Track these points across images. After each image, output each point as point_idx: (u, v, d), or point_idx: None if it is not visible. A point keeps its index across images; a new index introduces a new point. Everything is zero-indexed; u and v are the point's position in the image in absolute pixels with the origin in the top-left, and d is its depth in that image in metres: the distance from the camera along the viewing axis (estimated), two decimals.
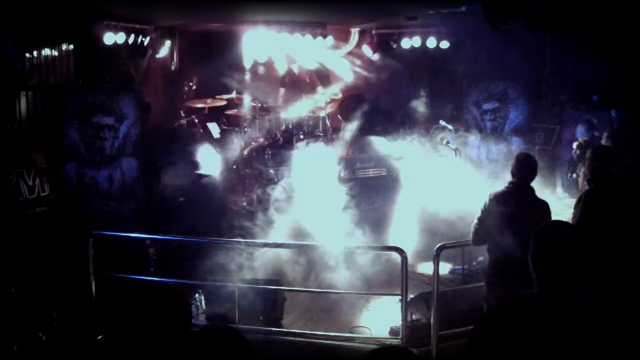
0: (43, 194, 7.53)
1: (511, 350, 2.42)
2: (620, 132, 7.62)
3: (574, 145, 8.05)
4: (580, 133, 8.40)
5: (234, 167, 10.34)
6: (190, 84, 11.51)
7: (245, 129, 10.80)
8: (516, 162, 5.25)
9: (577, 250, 2.64)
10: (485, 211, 5.20)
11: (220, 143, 10.61)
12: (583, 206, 5.25)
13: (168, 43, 10.76)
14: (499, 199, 5.16)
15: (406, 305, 5.89)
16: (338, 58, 11.91)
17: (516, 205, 5.07)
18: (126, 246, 7.16)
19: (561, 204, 7.14)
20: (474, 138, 9.31)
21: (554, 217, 6.61)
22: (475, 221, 5.31)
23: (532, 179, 5.20)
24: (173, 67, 11.51)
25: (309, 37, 10.42)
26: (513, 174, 5.21)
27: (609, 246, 5.06)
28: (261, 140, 10.57)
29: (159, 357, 2.67)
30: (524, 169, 5.19)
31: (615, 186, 5.38)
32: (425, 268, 7.79)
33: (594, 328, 2.44)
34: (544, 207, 5.15)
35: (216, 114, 11.45)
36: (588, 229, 5.20)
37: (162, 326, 2.68)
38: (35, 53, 8.07)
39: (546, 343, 2.40)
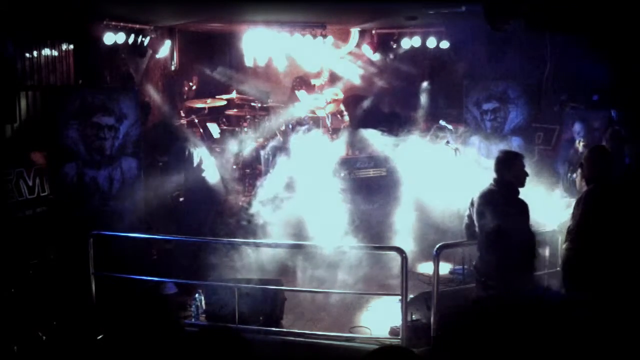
0: (43, 194, 7.52)
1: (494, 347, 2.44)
2: (620, 132, 7.60)
3: (580, 144, 8.03)
4: (578, 132, 8.36)
5: (234, 167, 10.34)
6: (190, 84, 11.51)
7: (245, 129, 10.80)
8: (497, 161, 5.31)
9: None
10: (471, 209, 5.39)
11: (220, 143, 10.61)
12: (584, 206, 5.26)
13: (168, 43, 10.75)
14: (482, 197, 5.25)
15: (406, 305, 5.89)
16: (338, 58, 11.92)
17: (499, 203, 5.13)
18: (126, 246, 7.16)
19: (561, 204, 7.14)
20: (474, 138, 9.31)
21: (554, 217, 6.63)
22: (465, 219, 5.53)
23: (515, 176, 5.26)
24: (173, 67, 11.50)
25: (309, 37, 10.42)
26: (495, 172, 5.27)
27: (610, 246, 5.10)
28: (261, 140, 10.57)
29: (157, 357, 2.67)
30: (505, 167, 5.25)
31: (614, 186, 5.40)
32: (425, 268, 7.79)
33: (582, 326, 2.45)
34: (519, 206, 5.19)
35: (216, 114, 11.46)
36: (590, 229, 5.23)
37: (153, 325, 2.68)
38: (35, 53, 8.06)
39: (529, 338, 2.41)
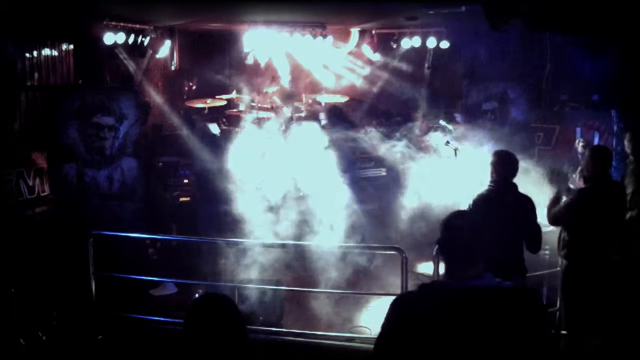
0: (43, 194, 7.53)
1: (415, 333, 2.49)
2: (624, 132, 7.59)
3: (580, 144, 8.03)
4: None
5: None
6: (190, 84, 11.51)
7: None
8: (502, 161, 5.26)
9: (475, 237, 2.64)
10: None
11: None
12: (575, 205, 5.26)
13: (168, 43, 10.75)
14: (480, 200, 5.20)
15: None
16: (338, 58, 11.91)
17: (497, 206, 5.09)
18: (126, 246, 7.16)
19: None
20: (473, 138, 9.29)
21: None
22: None
23: (513, 175, 5.22)
24: (173, 67, 11.50)
25: (309, 37, 10.42)
26: (496, 172, 5.23)
27: (599, 245, 5.18)
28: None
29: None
30: (504, 167, 5.22)
31: (610, 187, 5.41)
32: (425, 268, 7.79)
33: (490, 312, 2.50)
34: (525, 202, 5.15)
35: (216, 114, 11.44)
36: (580, 228, 5.26)
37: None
38: (35, 53, 8.07)
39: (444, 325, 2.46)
